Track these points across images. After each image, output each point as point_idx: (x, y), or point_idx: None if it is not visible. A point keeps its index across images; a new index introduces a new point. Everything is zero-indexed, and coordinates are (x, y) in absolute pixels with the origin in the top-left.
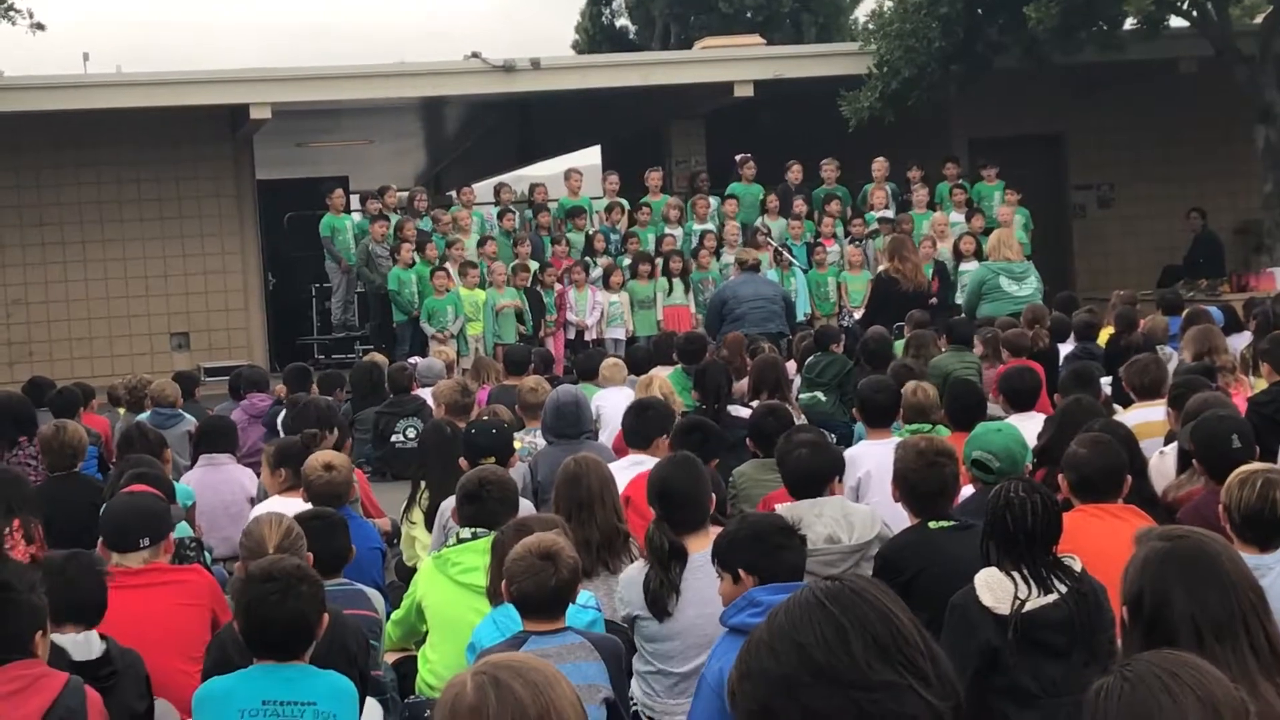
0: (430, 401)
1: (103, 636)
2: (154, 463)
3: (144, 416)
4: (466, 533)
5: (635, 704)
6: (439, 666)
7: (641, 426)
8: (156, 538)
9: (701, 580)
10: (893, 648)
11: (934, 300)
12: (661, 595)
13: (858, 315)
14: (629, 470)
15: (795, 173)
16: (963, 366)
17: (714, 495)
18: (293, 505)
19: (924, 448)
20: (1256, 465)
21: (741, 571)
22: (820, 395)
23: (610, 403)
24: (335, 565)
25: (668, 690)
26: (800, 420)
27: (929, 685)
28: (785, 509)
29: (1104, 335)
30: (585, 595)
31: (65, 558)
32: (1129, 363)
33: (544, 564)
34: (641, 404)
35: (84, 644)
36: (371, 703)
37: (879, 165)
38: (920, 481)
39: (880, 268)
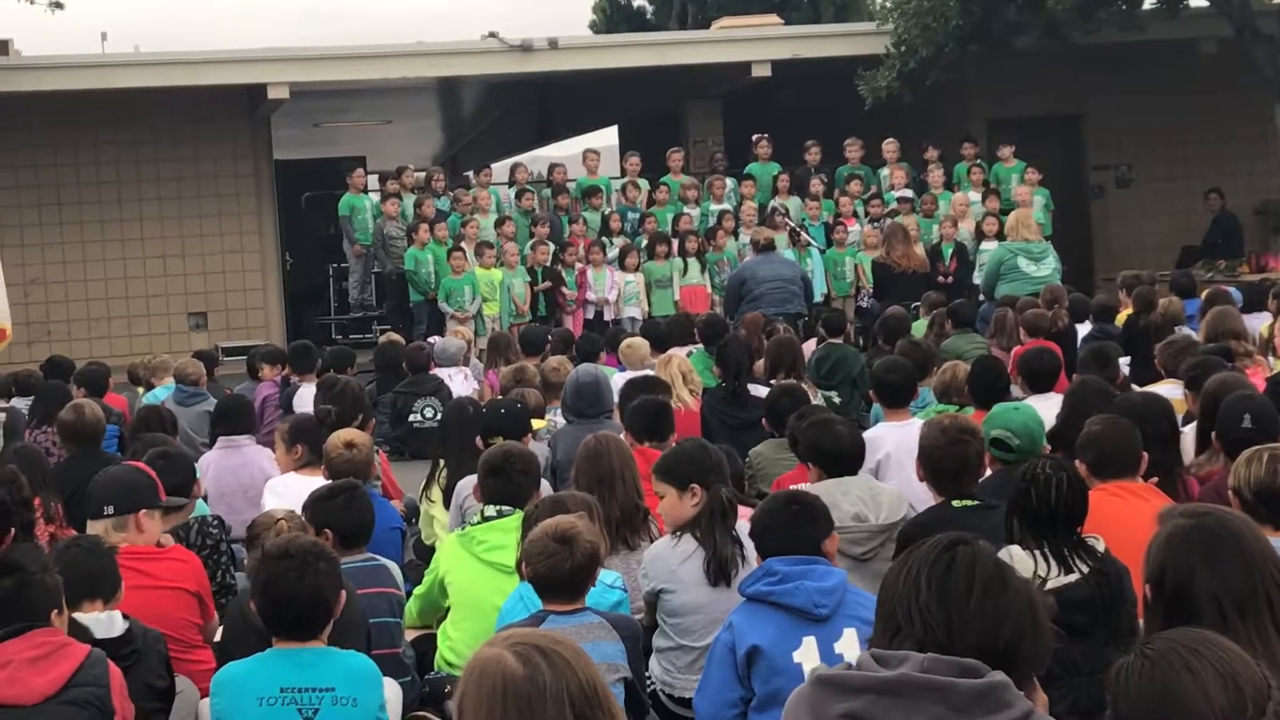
0: (448, 382)
1: (125, 616)
2: (169, 441)
3: (168, 394)
4: (491, 510)
5: (654, 682)
6: (460, 644)
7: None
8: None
9: None
10: None
11: (950, 279)
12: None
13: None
14: None
15: (814, 154)
16: (972, 347)
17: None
18: (309, 483)
19: (948, 425)
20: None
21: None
22: (834, 396)
23: None
24: (359, 539)
25: (687, 666)
26: (816, 400)
27: None
28: (812, 488)
29: (1122, 316)
30: (613, 575)
31: (69, 541)
32: (1165, 342)
33: (559, 547)
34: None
35: (106, 622)
36: (390, 682)
37: (889, 147)
38: (944, 459)
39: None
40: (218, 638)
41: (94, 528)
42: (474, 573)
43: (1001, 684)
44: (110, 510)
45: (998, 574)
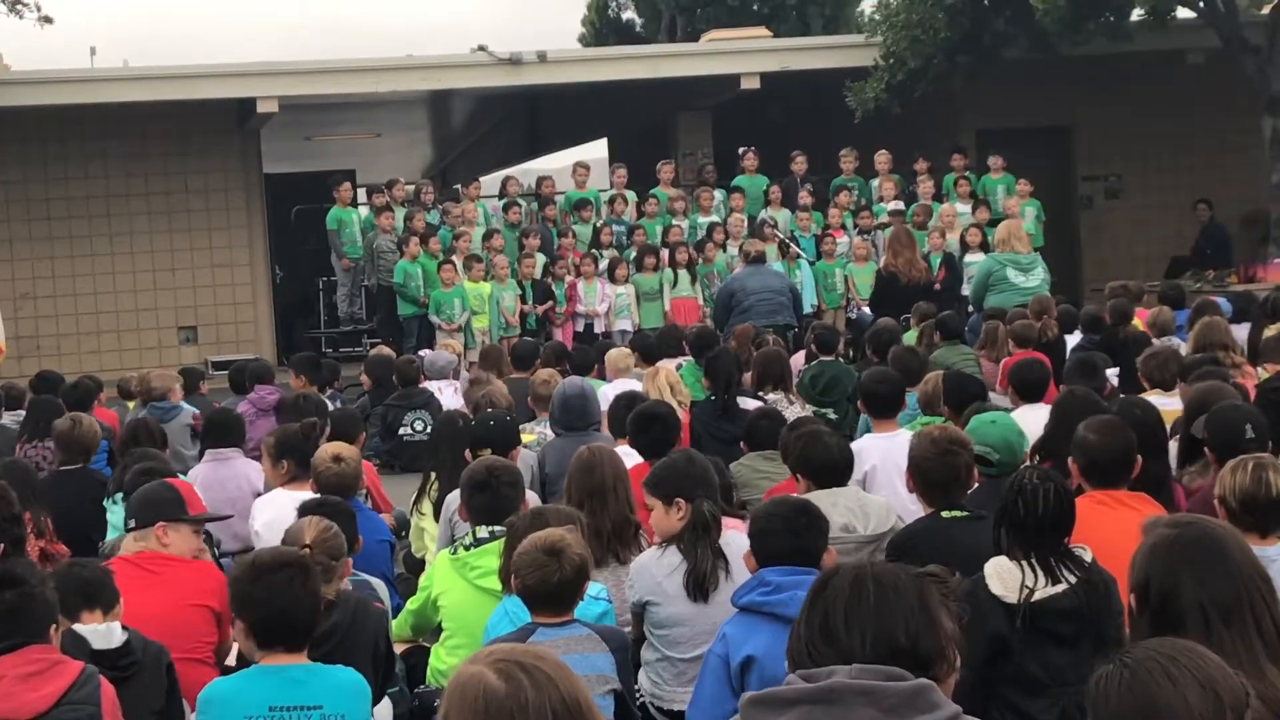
0: (438, 395)
1: (125, 628)
2: (159, 456)
3: (143, 411)
4: (484, 532)
5: (642, 695)
6: (453, 671)
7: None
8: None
9: None
10: None
11: (938, 287)
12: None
13: (865, 308)
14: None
15: (800, 164)
16: (960, 359)
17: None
18: (297, 498)
19: (938, 436)
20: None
21: None
22: (830, 413)
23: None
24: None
25: (675, 678)
26: (802, 413)
27: None
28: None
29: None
30: (596, 587)
31: (68, 563)
32: (1148, 353)
33: (549, 559)
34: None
35: (105, 633)
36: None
37: (882, 159)
38: (933, 470)
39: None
40: (231, 659)
41: (125, 541)
42: (469, 599)
43: (928, 686)
44: (132, 523)
45: (873, 584)
